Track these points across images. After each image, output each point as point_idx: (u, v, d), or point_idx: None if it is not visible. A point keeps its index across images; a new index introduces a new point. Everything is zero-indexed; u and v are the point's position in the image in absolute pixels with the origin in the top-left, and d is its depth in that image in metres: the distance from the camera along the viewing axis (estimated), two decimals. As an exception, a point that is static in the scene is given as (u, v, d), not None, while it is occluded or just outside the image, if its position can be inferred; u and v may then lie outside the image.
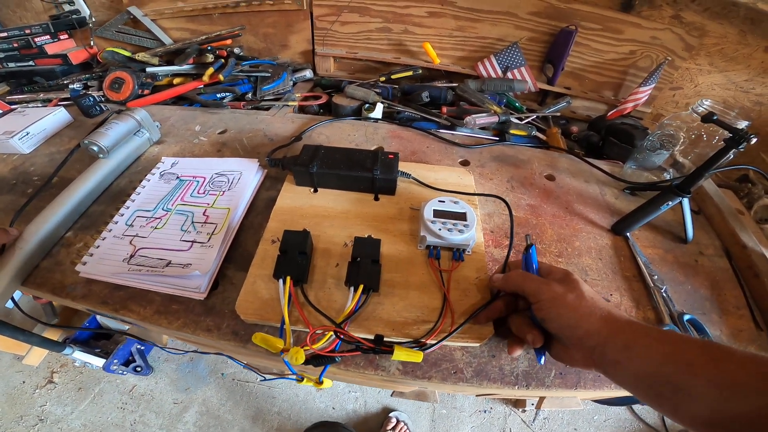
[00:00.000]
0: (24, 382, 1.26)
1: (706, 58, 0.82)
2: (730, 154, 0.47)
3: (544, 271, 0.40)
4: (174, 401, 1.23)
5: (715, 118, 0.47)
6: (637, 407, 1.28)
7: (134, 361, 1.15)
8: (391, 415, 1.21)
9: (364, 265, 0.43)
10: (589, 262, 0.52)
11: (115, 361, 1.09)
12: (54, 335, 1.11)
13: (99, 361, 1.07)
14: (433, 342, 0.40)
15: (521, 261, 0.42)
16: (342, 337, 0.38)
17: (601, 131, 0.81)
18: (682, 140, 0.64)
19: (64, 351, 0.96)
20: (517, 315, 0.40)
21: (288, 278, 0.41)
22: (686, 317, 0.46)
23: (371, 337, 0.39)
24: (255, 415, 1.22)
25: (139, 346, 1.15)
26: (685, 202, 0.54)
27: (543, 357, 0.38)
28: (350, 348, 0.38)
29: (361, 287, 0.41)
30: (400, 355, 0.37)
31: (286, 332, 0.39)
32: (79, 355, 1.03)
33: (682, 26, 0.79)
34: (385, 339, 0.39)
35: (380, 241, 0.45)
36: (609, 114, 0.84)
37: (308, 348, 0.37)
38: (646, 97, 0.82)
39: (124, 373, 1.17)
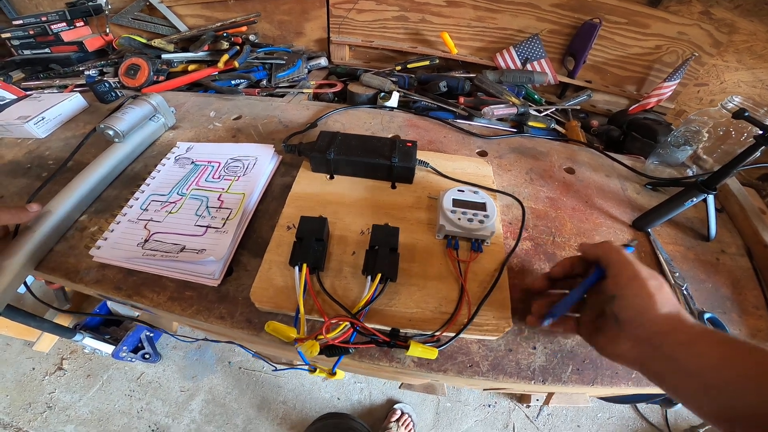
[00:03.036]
0: (34, 368, 1.28)
1: (734, 54, 0.79)
2: (759, 152, 0.46)
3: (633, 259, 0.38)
4: (181, 389, 1.25)
5: (746, 114, 0.45)
6: (641, 406, 1.27)
7: (143, 348, 1.16)
8: (395, 407, 1.21)
9: (382, 253, 0.42)
10: (610, 258, 0.50)
11: (124, 347, 1.10)
12: (65, 321, 1.12)
13: (108, 348, 1.09)
14: (451, 334, 0.39)
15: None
16: (357, 328, 0.37)
17: (622, 126, 0.79)
18: (707, 137, 0.63)
19: (75, 337, 0.97)
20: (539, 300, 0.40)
21: (304, 266, 0.40)
22: (707, 315, 0.45)
23: (387, 328, 0.39)
24: (260, 404, 1.22)
25: (148, 333, 1.16)
26: (710, 199, 0.52)
27: (549, 320, 0.37)
28: (365, 340, 0.37)
29: (378, 276, 0.40)
30: (416, 350, 0.36)
31: (300, 321, 0.38)
32: (89, 342, 1.04)
33: (711, 22, 0.76)
34: (400, 332, 0.38)
35: (398, 229, 0.44)
36: (631, 108, 0.82)
37: (322, 338, 0.36)
38: (670, 93, 0.80)
39: (133, 360, 1.18)
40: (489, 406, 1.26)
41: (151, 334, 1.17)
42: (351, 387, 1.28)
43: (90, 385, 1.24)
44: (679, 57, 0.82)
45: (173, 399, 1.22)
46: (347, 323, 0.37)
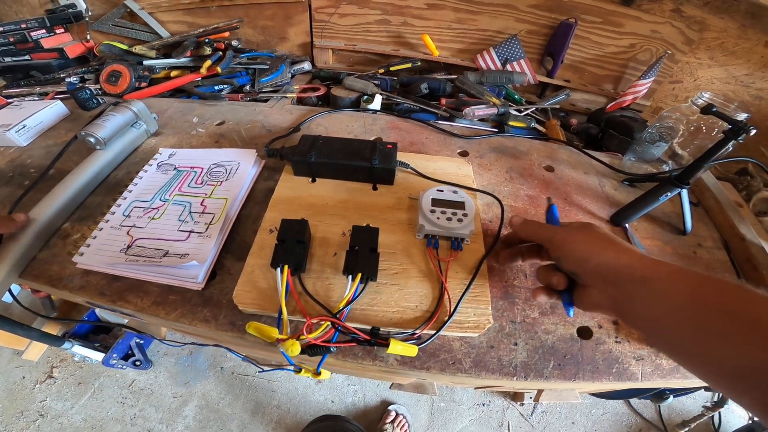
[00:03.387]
0: (24, 377, 1.26)
1: (706, 52, 0.81)
2: (729, 146, 0.48)
3: (564, 224, 0.40)
4: (173, 395, 1.24)
5: (714, 110, 0.47)
6: (634, 401, 1.28)
7: (133, 355, 1.15)
8: (390, 408, 1.21)
9: (363, 253, 0.42)
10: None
11: (114, 355, 1.09)
12: (53, 329, 1.11)
13: (98, 356, 1.07)
14: (431, 332, 0.40)
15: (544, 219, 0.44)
16: (338, 327, 0.38)
17: (600, 123, 0.81)
18: (681, 132, 0.64)
19: (64, 345, 0.96)
20: (542, 266, 0.41)
21: (286, 267, 0.41)
22: None
23: (368, 327, 0.39)
24: (254, 408, 1.22)
25: (138, 340, 1.15)
26: (684, 193, 0.54)
27: (572, 309, 0.37)
28: (346, 339, 0.38)
29: (359, 276, 0.41)
30: (396, 348, 0.37)
31: (283, 322, 0.38)
32: (79, 350, 1.02)
33: (682, 20, 0.78)
34: (381, 330, 0.39)
35: (378, 229, 0.44)
36: (608, 106, 0.84)
37: (304, 338, 0.37)
38: (645, 90, 0.82)
39: (124, 367, 1.17)
40: (483, 405, 1.27)
41: (141, 341, 1.16)
42: (345, 389, 1.28)
43: (81, 393, 1.22)
44: (652, 55, 0.84)
45: (166, 405, 1.21)
46: (329, 323, 0.38)
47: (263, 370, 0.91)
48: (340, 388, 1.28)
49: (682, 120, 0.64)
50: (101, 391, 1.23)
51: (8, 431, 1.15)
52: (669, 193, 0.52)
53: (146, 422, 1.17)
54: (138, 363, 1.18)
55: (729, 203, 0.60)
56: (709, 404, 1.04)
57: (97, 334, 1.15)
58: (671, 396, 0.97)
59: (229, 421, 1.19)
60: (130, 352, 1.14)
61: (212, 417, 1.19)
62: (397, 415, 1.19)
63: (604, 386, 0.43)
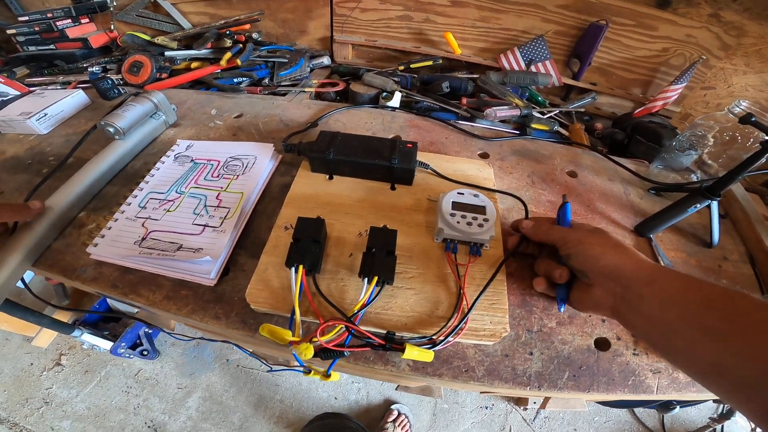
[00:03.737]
0: (32, 364, 1.28)
1: (742, 58, 0.78)
2: (764, 158, 0.45)
3: (575, 226, 0.41)
4: (178, 386, 1.25)
5: (753, 119, 0.45)
6: (638, 410, 1.26)
7: (141, 344, 1.16)
8: (392, 407, 1.21)
9: (379, 256, 0.41)
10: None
11: (122, 344, 1.10)
12: (64, 317, 1.12)
13: (107, 344, 1.09)
14: (444, 338, 0.38)
15: (555, 217, 0.44)
16: (352, 331, 0.37)
17: (626, 129, 0.78)
18: (712, 142, 0.62)
19: (73, 333, 0.97)
20: (543, 257, 0.42)
21: (300, 267, 0.40)
22: None
23: (383, 331, 0.38)
24: (257, 402, 1.22)
25: (146, 330, 1.16)
26: (714, 205, 0.52)
27: (564, 305, 0.40)
28: (360, 343, 0.37)
29: (375, 279, 0.40)
30: (411, 353, 0.36)
31: (296, 324, 0.37)
32: (88, 338, 1.04)
33: (720, 25, 0.75)
34: (396, 335, 0.37)
35: (396, 231, 0.43)
36: (636, 112, 0.81)
37: (317, 340, 0.36)
38: (676, 96, 0.79)
39: (131, 356, 1.18)
40: (486, 408, 1.26)
41: (150, 331, 1.17)
42: (348, 387, 1.28)
43: (88, 381, 1.24)
44: (686, 60, 0.81)
45: (170, 396, 1.22)
46: (342, 326, 0.37)
47: (272, 369, 0.90)
48: (344, 385, 1.28)
49: (715, 128, 0.62)
50: (107, 379, 1.25)
51: (12, 418, 1.16)
52: (698, 205, 0.50)
53: (149, 412, 1.19)
54: (145, 353, 1.19)
55: (757, 216, 0.57)
56: (715, 416, 1.01)
57: (107, 323, 1.16)
58: (678, 407, 0.94)
59: (232, 414, 1.19)
60: (138, 341, 1.15)
61: (215, 409, 1.20)
62: (399, 414, 1.19)
63: (618, 397, 0.42)
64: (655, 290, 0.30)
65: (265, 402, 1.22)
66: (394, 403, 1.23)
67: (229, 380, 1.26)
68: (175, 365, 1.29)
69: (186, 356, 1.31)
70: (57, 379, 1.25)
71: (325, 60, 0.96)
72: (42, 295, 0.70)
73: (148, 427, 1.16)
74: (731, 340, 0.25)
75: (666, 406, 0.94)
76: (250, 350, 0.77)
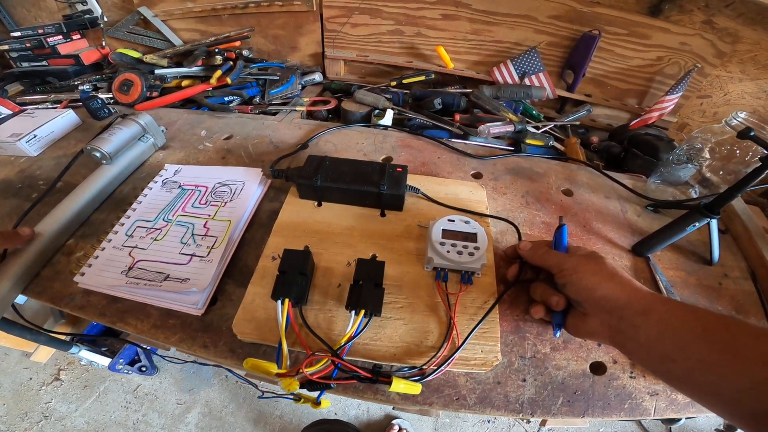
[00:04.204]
0: (31, 378, 1.28)
1: (738, 65, 0.77)
2: (765, 173, 0.44)
3: (572, 250, 0.41)
4: (177, 401, 1.24)
5: (752, 134, 0.44)
6: (644, 421, 1.24)
7: (139, 360, 1.16)
8: (393, 422, 1.20)
9: (367, 288, 0.40)
10: (608, 287, 0.49)
11: (120, 360, 1.09)
12: (64, 329, 1.12)
13: (105, 361, 1.08)
14: (434, 369, 0.38)
15: (552, 240, 0.44)
16: (339, 365, 0.36)
17: (623, 142, 0.77)
18: (708, 156, 0.61)
19: (71, 350, 0.97)
20: (539, 282, 0.42)
21: (287, 300, 0.39)
22: None
23: (371, 361, 0.38)
24: (257, 417, 1.21)
25: (144, 347, 1.15)
26: (714, 223, 0.51)
27: (559, 331, 0.40)
28: (347, 376, 0.36)
29: (362, 312, 0.39)
30: (398, 387, 0.35)
31: (282, 356, 0.37)
32: (86, 354, 1.03)
33: (713, 32, 0.74)
34: (384, 366, 0.37)
35: (384, 263, 0.42)
36: (632, 123, 0.80)
37: (303, 372, 0.35)
38: (673, 106, 0.78)
39: (129, 372, 1.18)
40: (488, 421, 1.25)
41: (148, 348, 1.17)
42: (349, 402, 1.27)
43: (86, 396, 1.24)
44: (681, 68, 0.80)
45: (169, 411, 1.22)
46: (329, 359, 0.36)
47: (263, 396, 0.90)
48: (344, 400, 1.27)
49: (711, 140, 0.61)
50: (106, 394, 1.24)
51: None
52: (697, 224, 0.49)
53: (149, 427, 1.18)
54: (144, 369, 1.18)
55: (758, 231, 0.56)
56: (721, 427, 1.00)
57: (105, 338, 1.16)
58: (683, 418, 0.93)
59: (231, 430, 1.19)
60: (136, 357, 1.15)
61: (214, 425, 1.19)
62: (400, 429, 1.18)
63: (614, 420, 0.41)
64: (650, 320, 0.30)
65: (264, 418, 1.21)
66: (395, 418, 1.22)
67: (229, 396, 1.26)
68: (174, 381, 1.28)
69: (185, 372, 1.30)
70: (56, 393, 1.25)
71: (317, 76, 0.95)
72: (38, 313, 0.70)
73: (147, 443, 1.16)
74: (729, 369, 0.25)
75: (671, 418, 0.93)
76: (243, 374, 0.76)
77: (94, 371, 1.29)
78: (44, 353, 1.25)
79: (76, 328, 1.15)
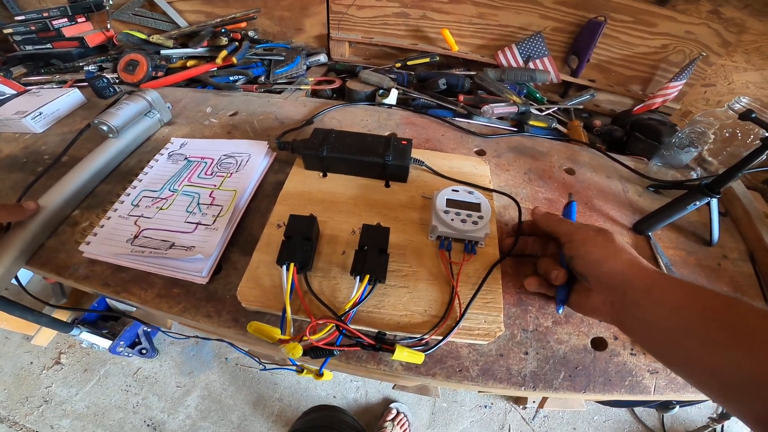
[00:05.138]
0: (32, 362, 1.28)
1: (743, 55, 0.77)
2: (765, 155, 0.44)
3: (581, 225, 0.40)
4: (177, 384, 1.25)
5: (753, 116, 0.44)
6: (638, 409, 1.26)
7: (140, 343, 1.16)
8: (391, 406, 1.21)
9: (371, 254, 0.41)
10: (610, 261, 0.49)
11: (121, 342, 1.10)
12: (63, 315, 1.12)
13: (105, 343, 1.08)
14: (439, 338, 0.38)
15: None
16: (343, 330, 0.36)
17: (625, 126, 0.77)
18: (712, 138, 0.61)
19: (72, 332, 0.97)
20: (545, 257, 0.42)
21: (292, 265, 0.39)
22: None
23: (374, 330, 0.38)
24: (256, 400, 1.22)
25: (145, 329, 1.16)
26: (714, 203, 0.51)
27: (562, 307, 0.40)
28: (350, 343, 0.36)
29: (367, 277, 0.39)
30: (401, 355, 0.35)
31: (286, 322, 0.37)
32: (87, 336, 1.04)
33: (720, 21, 0.74)
34: (387, 335, 0.37)
35: (389, 229, 0.43)
36: (636, 109, 0.80)
37: (307, 339, 0.35)
38: (676, 93, 0.78)
39: (130, 355, 1.18)
40: (485, 407, 1.26)
41: (149, 330, 1.17)
42: (347, 385, 1.28)
43: (87, 380, 1.24)
44: (686, 57, 0.80)
45: (169, 394, 1.22)
46: (333, 325, 0.36)
47: (265, 368, 0.90)
48: (343, 383, 1.28)
49: (715, 125, 0.61)
50: (106, 378, 1.25)
51: (11, 417, 1.16)
52: (698, 202, 0.49)
53: (148, 410, 1.19)
54: (144, 351, 1.19)
55: (758, 214, 0.56)
56: (714, 415, 1.01)
57: (106, 321, 1.16)
58: (677, 406, 0.94)
59: (230, 412, 1.19)
60: (137, 340, 1.15)
61: (214, 407, 1.20)
62: (398, 413, 1.19)
63: (614, 397, 0.42)
64: (653, 298, 0.30)
65: (263, 400, 1.22)
66: (393, 401, 1.23)
67: (228, 379, 1.26)
68: (174, 364, 1.29)
69: (185, 355, 1.31)
70: (56, 377, 1.25)
71: (322, 57, 0.95)
72: (40, 293, 0.69)
73: (147, 425, 1.16)
74: (731, 350, 0.24)
75: (665, 405, 0.94)
76: (246, 349, 0.76)
77: (94, 354, 1.29)
78: (45, 337, 1.25)
79: (75, 314, 1.15)
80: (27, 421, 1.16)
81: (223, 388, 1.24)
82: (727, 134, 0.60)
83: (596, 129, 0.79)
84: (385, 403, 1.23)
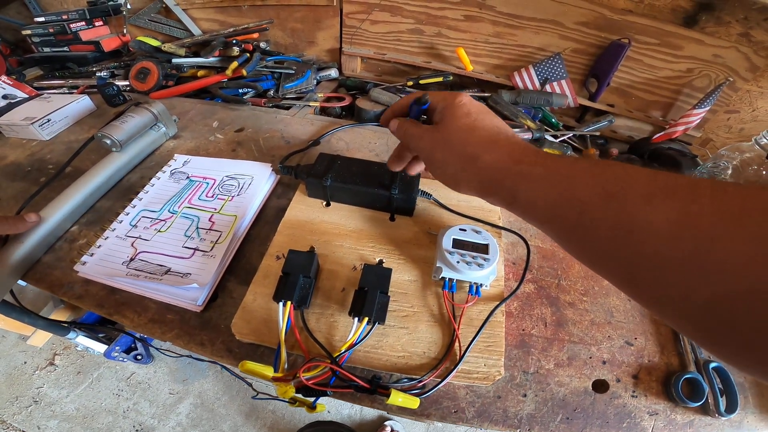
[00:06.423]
0: (25, 362, 1.28)
1: (770, 80, 0.74)
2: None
3: (436, 111, 0.35)
4: (170, 391, 1.23)
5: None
6: None
7: (136, 349, 1.15)
8: (386, 423, 1.19)
9: (372, 296, 0.39)
10: (617, 303, 0.47)
11: (116, 348, 1.09)
12: (61, 316, 1.12)
13: (101, 347, 1.08)
14: (435, 382, 0.37)
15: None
16: (337, 372, 0.35)
17: (644, 155, 0.74)
18: (734, 173, 0.58)
19: (68, 335, 0.97)
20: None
21: (288, 303, 0.38)
22: (712, 365, 0.41)
23: (370, 369, 0.37)
24: (249, 411, 1.20)
25: (142, 335, 1.15)
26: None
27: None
28: (344, 384, 0.35)
29: (365, 320, 0.37)
30: (396, 399, 0.34)
31: (280, 360, 0.36)
32: (82, 340, 1.03)
33: (750, 45, 0.70)
34: (383, 376, 0.36)
35: (391, 270, 0.41)
36: (656, 137, 0.77)
37: (300, 377, 0.34)
38: (699, 120, 0.75)
39: (125, 360, 1.18)
40: (482, 430, 1.22)
41: (145, 336, 1.17)
42: (342, 401, 1.25)
43: (79, 382, 1.23)
44: (711, 81, 0.76)
45: (161, 401, 1.21)
46: (327, 366, 0.35)
47: (256, 396, 0.89)
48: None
49: (737, 158, 0.58)
50: (99, 381, 1.24)
51: (0, 415, 1.16)
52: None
53: (138, 416, 1.17)
54: (139, 357, 1.18)
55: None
56: None
57: (103, 325, 1.16)
58: None
59: (222, 422, 1.18)
60: (132, 345, 1.14)
61: (205, 416, 1.18)
62: (392, 431, 1.16)
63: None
64: (534, 174, 0.27)
65: (256, 411, 1.20)
66: (387, 419, 1.21)
67: (222, 388, 1.25)
68: (168, 370, 1.28)
69: (180, 362, 1.30)
70: (48, 378, 1.25)
71: (333, 72, 0.94)
72: (38, 297, 0.69)
73: (137, 430, 1.15)
74: (613, 208, 0.22)
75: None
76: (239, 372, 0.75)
77: (89, 357, 1.28)
78: (41, 337, 1.25)
79: (74, 314, 1.15)
80: (15, 420, 1.15)
81: (217, 397, 1.23)
82: (751, 171, 0.57)
83: (613, 157, 0.76)
84: (380, 420, 1.21)
